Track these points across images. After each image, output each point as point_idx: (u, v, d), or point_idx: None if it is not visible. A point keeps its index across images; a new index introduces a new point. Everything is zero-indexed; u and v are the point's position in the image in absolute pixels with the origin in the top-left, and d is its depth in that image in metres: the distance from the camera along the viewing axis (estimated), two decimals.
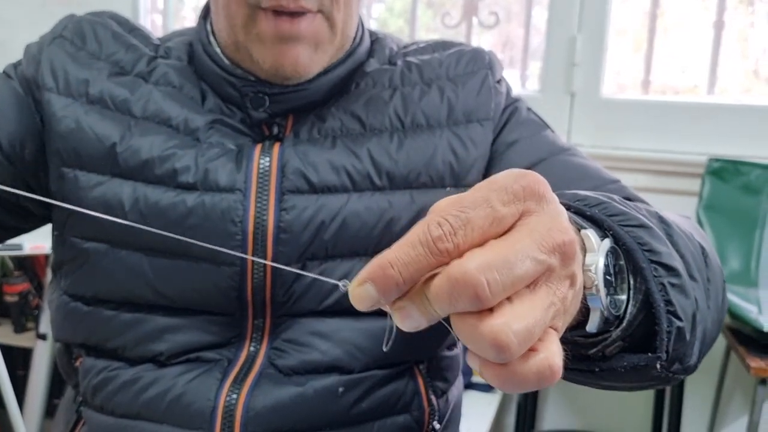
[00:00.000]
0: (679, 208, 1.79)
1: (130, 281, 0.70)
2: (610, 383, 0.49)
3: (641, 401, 1.88)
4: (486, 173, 0.76)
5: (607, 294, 0.42)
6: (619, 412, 1.93)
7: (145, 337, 0.70)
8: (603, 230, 0.46)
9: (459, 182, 0.74)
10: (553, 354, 0.33)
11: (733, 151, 1.75)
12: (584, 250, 0.41)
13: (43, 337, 1.90)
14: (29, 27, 1.08)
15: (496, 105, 0.78)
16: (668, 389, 1.70)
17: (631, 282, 0.46)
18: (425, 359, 0.74)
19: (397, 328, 0.35)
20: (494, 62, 0.81)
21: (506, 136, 0.77)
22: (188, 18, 2.38)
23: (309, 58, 0.69)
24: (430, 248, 0.32)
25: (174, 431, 0.67)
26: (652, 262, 0.46)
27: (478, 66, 0.80)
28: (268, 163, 0.70)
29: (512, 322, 0.31)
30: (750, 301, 1.58)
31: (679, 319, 0.46)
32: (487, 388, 1.79)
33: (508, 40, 2.15)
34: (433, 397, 0.74)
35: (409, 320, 0.34)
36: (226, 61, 0.74)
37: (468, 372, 1.75)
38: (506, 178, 0.34)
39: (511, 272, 0.32)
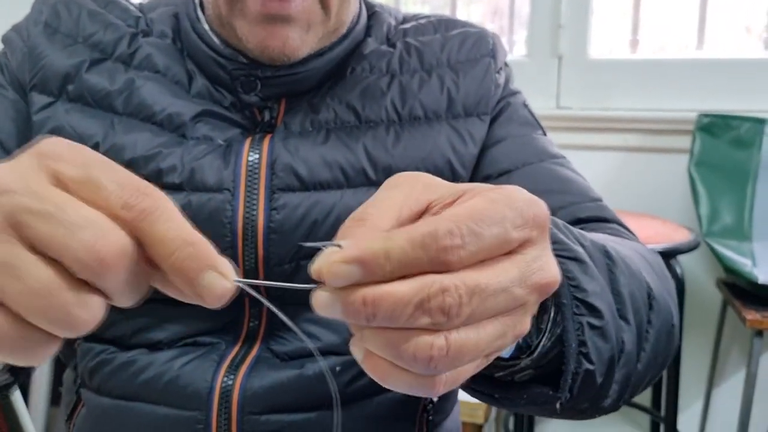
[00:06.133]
0: (670, 166, 1.80)
1: None
2: (514, 408, 0.49)
3: None
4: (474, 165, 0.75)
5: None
6: None
7: (144, 327, 0.69)
8: None
9: (458, 177, 0.72)
10: (456, 378, 0.33)
11: (723, 106, 1.75)
12: None
13: None
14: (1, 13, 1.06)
15: (493, 97, 0.75)
16: None
17: (552, 314, 0.45)
18: None
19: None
20: (497, 48, 0.78)
21: (496, 131, 0.75)
22: None
23: (299, 40, 0.65)
24: (432, 255, 0.31)
25: (171, 412, 0.67)
26: (576, 298, 0.44)
27: (481, 52, 0.76)
28: (257, 159, 0.67)
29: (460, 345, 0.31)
30: (744, 255, 1.59)
31: (590, 362, 0.45)
32: None
33: (497, 9, 2.13)
34: None
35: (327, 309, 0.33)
36: (216, 40, 0.70)
37: None
38: (522, 200, 0.34)
39: (484, 303, 0.32)
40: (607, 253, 0.50)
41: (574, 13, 1.87)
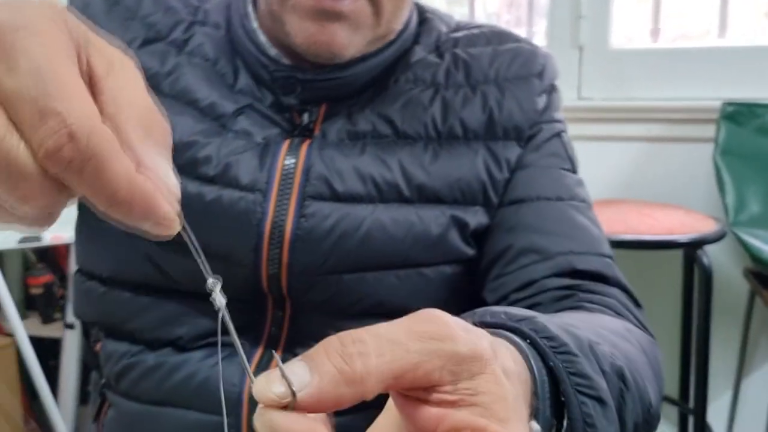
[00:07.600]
0: (695, 155, 1.78)
1: (143, 265, 0.67)
2: None
3: (666, 350, 1.88)
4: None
5: None
6: None
7: (163, 320, 0.68)
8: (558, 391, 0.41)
9: (489, 203, 0.70)
10: None
11: (747, 94, 1.72)
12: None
13: (70, 326, 1.92)
14: None
15: (531, 121, 0.73)
16: (693, 338, 1.70)
17: None
18: None
19: None
20: (546, 70, 0.75)
21: (521, 156, 0.72)
22: None
23: (347, 39, 0.64)
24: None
25: (201, 417, 0.66)
26: None
27: (530, 71, 0.74)
28: (293, 164, 0.66)
29: None
30: None
31: None
32: None
33: (513, 0, 2.12)
34: None
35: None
36: (262, 38, 0.70)
37: None
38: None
39: None
40: (622, 378, 0.47)
41: (594, 3, 1.86)
